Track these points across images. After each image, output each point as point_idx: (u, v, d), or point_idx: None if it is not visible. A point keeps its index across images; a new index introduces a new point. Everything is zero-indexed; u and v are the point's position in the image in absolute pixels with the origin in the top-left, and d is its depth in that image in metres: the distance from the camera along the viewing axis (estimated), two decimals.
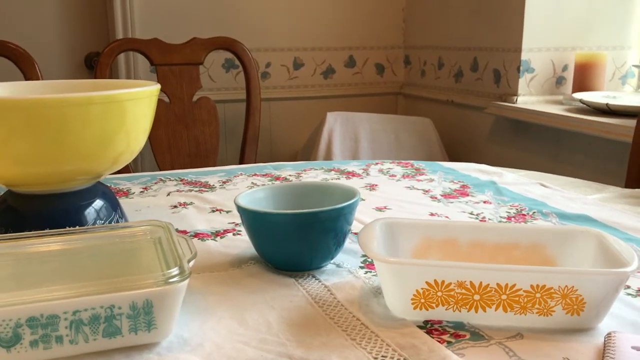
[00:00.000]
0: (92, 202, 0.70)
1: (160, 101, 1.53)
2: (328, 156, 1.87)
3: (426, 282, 0.53)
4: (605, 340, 0.50)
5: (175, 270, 0.49)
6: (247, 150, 1.55)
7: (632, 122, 1.22)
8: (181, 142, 1.52)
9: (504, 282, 0.52)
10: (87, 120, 0.63)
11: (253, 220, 0.64)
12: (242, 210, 0.64)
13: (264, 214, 0.63)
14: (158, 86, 0.71)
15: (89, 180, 0.70)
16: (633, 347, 0.49)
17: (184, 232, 0.79)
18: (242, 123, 1.58)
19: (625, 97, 1.54)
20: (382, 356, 0.49)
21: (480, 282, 0.52)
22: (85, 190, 0.70)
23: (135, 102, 0.67)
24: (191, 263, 0.53)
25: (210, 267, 0.67)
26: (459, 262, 0.55)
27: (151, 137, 1.51)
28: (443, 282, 0.52)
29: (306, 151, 2.00)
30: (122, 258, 0.58)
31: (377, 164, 1.22)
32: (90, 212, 0.69)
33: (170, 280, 0.49)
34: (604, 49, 1.72)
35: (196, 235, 0.77)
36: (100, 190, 0.72)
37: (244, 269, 0.66)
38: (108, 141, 0.66)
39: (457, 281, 0.52)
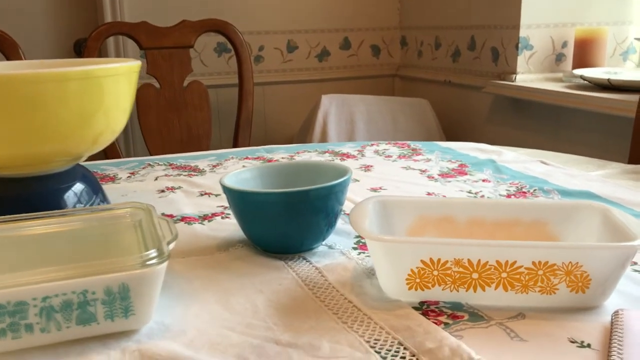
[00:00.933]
0: (72, 186, 0.67)
1: (150, 86, 1.49)
2: (323, 139, 1.83)
3: (421, 261, 0.49)
4: (612, 319, 0.47)
5: (153, 252, 0.46)
6: (240, 135, 1.51)
7: (634, 98, 1.19)
8: (172, 128, 1.48)
9: (504, 259, 0.48)
10: (64, 98, 0.60)
11: (239, 200, 0.61)
12: (227, 191, 0.61)
13: (251, 194, 0.60)
14: (138, 63, 0.68)
15: (68, 162, 0.67)
16: None
17: (171, 216, 0.75)
18: (235, 108, 1.55)
19: (627, 73, 1.50)
20: (375, 339, 0.46)
21: (479, 260, 0.49)
22: (64, 173, 0.67)
23: (114, 79, 0.63)
24: (171, 245, 0.50)
25: (196, 250, 0.64)
26: (456, 239, 0.52)
27: (141, 123, 1.47)
28: (439, 260, 0.49)
29: (301, 135, 1.96)
30: (100, 242, 0.55)
31: (372, 145, 1.18)
32: (69, 196, 0.66)
33: (148, 262, 0.46)
34: (605, 24, 1.68)
35: (183, 219, 0.74)
36: (80, 173, 0.69)
37: (231, 252, 0.63)
38: (87, 120, 0.63)
39: (454, 259, 0.49)
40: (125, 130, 1.97)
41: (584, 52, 1.61)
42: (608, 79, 1.35)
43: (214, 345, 0.46)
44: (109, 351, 0.45)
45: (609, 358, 0.42)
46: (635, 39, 1.62)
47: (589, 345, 0.45)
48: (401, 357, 0.43)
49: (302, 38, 2.21)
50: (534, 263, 0.48)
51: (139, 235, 0.54)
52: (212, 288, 0.55)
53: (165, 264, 0.46)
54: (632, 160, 1.12)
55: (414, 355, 0.43)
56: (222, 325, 0.48)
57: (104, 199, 0.70)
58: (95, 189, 0.69)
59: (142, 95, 1.48)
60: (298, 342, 0.45)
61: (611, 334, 0.45)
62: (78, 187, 0.68)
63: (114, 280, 0.45)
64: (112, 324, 0.46)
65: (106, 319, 0.46)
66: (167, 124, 1.48)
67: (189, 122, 1.49)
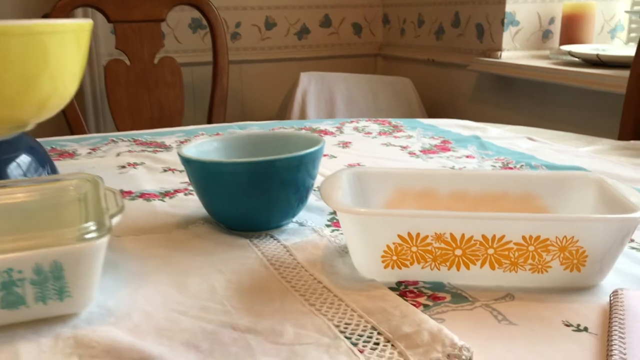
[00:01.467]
0: (16, 157, 0.61)
1: (119, 62, 1.42)
2: (302, 119, 1.77)
3: (398, 236, 0.44)
4: (611, 300, 0.42)
5: (91, 226, 0.40)
6: (215, 113, 1.44)
7: (625, 73, 1.14)
8: (143, 105, 1.41)
9: (491, 234, 0.43)
10: (5, 56, 0.54)
11: (199, 172, 0.55)
12: (186, 162, 0.55)
13: (211, 164, 0.54)
14: (89, 21, 0.61)
15: (11, 129, 0.60)
16: None
17: (129, 192, 0.69)
18: (210, 87, 1.48)
19: (616, 49, 1.46)
20: (346, 323, 0.40)
21: (463, 234, 0.43)
22: (7, 142, 0.61)
23: (60, 38, 0.57)
24: (116, 219, 0.44)
25: (151, 228, 0.58)
26: (437, 211, 0.47)
27: (110, 100, 1.40)
28: (418, 235, 0.44)
29: (280, 115, 1.90)
30: (38, 216, 0.49)
31: (352, 122, 1.13)
32: (12, 168, 0.60)
33: (86, 237, 0.39)
34: None
35: (141, 195, 0.68)
36: (26, 143, 0.63)
37: (190, 230, 0.58)
38: (30, 83, 0.57)
39: (435, 233, 0.44)
40: (95, 107, 1.89)
41: (572, 28, 1.56)
42: (597, 54, 1.31)
43: (161, 331, 0.40)
44: (40, 338, 0.39)
45: (609, 343, 0.37)
46: (626, 12, 1.57)
47: (585, 329, 0.40)
48: (374, 343, 0.38)
49: (280, 14, 2.13)
50: (524, 238, 0.43)
51: (82, 209, 0.48)
52: (166, 268, 0.49)
53: (105, 239, 0.40)
54: (622, 137, 1.08)
55: (388, 341, 0.38)
56: (173, 308, 0.43)
57: (53, 173, 0.64)
58: (42, 161, 0.62)
59: (111, 71, 1.41)
60: (258, 327, 0.40)
61: (610, 316, 0.40)
62: (23, 158, 0.61)
63: (44, 257, 0.39)
64: (44, 308, 0.40)
65: (37, 301, 0.40)
66: (137, 101, 1.41)
67: (161, 100, 1.42)
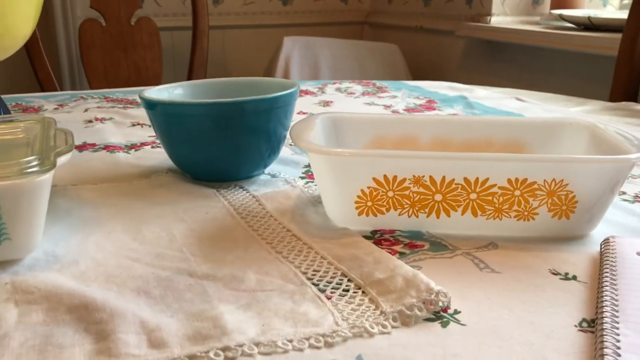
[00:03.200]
0: None
1: (94, 22, 1.36)
2: None
3: (373, 179, 0.40)
4: (602, 248, 0.39)
5: (33, 161, 0.36)
6: (194, 77, 1.39)
7: (617, 36, 1.11)
8: (119, 68, 1.36)
9: (474, 177, 0.40)
10: None
11: (162, 115, 0.51)
12: (147, 104, 0.51)
13: (173, 105, 0.50)
14: None
15: None
16: (638, 253, 0.37)
17: (92, 145, 0.65)
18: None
19: (609, 13, 1.42)
20: (314, 270, 0.37)
21: (443, 177, 0.40)
22: None
23: None
24: (63, 157, 0.40)
25: (112, 178, 0.54)
26: (415, 152, 0.43)
27: (85, 62, 1.35)
28: (395, 178, 0.40)
29: None
30: None
31: (334, 83, 1.08)
32: None
33: (26, 171, 0.35)
34: None
35: (105, 147, 0.64)
36: None
37: (153, 179, 0.54)
38: None
39: (413, 176, 0.40)
40: (71, 69, 1.83)
41: None
42: (589, 17, 1.27)
43: (110, 277, 0.36)
44: None
45: (599, 290, 0.34)
46: None
47: (574, 278, 0.36)
48: (344, 290, 0.34)
49: None
50: (509, 181, 0.40)
51: (29, 152, 0.44)
52: (123, 216, 0.45)
53: (49, 175, 0.37)
54: (613, 100, 1.04)
55: (359, 288, 0.34)
56: (126, 255, 0.39)
57: None
58: None
59: (86, 32, 1.35)
60: (218, 274, 0.36)
61: (601, 263, 0.37)
62: None
63: None
64: None
65: None
66: (113, 63, 1.36)
67: (138, 62, 1.37)
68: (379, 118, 0.52)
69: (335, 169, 0.41)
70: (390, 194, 0.41)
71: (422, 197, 0.41)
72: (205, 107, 0.49)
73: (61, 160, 0.39)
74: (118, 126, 0.74)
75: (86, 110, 0.83)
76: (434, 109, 0.85)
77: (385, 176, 0.40)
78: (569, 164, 0.39)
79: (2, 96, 0.72)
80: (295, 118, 0.55)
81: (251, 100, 0.49)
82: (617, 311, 0.31)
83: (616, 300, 0.32)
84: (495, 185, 0.40)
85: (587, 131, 0.47)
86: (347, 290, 0.34)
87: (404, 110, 0.85)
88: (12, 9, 0.54)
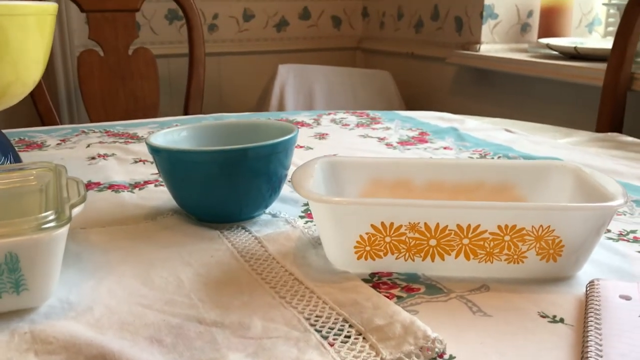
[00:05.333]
0: None
1: (93, 52, 1.39)
2: (280, 111, 1.75)
3: (371, 226, 0.43)
4: (587, 290, 0.41)
5: (50, 215, 0.38)
6: (191, 105, 1.42)
7: (602, 66, 1.14)
8: (117, 98, 1.38)
9: (466, 223, 0.42)
10: None
11: (168, 162, 0.53)
12: (154, 151, 0.53)
13: (180, 153, 0.52)
14: (54, 5, 0.59)
15: None
16: (621, 296, 0.40)
17: (97, 184, 0.67)
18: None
19: (594, 42, 1.46)
20: (317, 316, 0.39)
21: (437, 224, 0.42)
22: None
23: (21, 21, 0.55)
24: (78, 209, 0.42)
25: (119, 220, 0.56)
26: (410, 200, 0.46)
27: (83, 92, 1.37)
28: (392, 224, 0.43)
29: (258, 108, 1.87)
30: None
31: (329, 114, 1.11)
32: None
33: (43, 227, 0.38)
34: None
35: (110, 187, 0.66)
36: None
37: (159, 221, 0.56)
38: None
39: (409, 223, 0.42)
40: (69, 100, 1.85)
41: (550, 21, 1.56)
42: (575, 47, 1.31)
43: (124, 325, 0.38)
44: None
45: (584, 334, 0.36)
46: (603, 4, 1.57)
47: (561, 320, 0.39)
48: (345, 336, 0.36)
49: (259, 6, 2.10)
50: (499, 227, 0.42)
51: (43, 199, 0.46)
52: (132, 260, 0.47)
53: (64, 229, 0.39)
54: (599, 129, 1.08)
55: (360, 334, 0.37)
56: (137, 302, 0.41)
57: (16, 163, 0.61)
58: (4, 149, 0.60)
59: (84, 62, 1.37)
60: (225, 320, 0.38)
61: (586, 307, 0.39)
62: None
63: None
64: None
65: None
66: (111, 93, 1.38)
67: (135, 92, 1.39)
68: (374, 162, 0.54)
69: (335, 216, 0.43)
70: (388, 239, 0.43)
71: (417, 242, 0.43)
72: (210, 155, 0.51)
73: (75, 211, 0.42)
74: (121, 163, 0.76)
75: (88, 145, 0.85)
76: (427, 142, 0.88)
77: (382, 223, 0.43)
78: (555, 212, 0.42)
79: (4, 130, 0.74)
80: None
81: (254, 147, 0.51)
82: (600, 356, 0.33)
83: (600, 345, 0.34)
84: (486, 231, 0.42)
85: (573, 174, 0.50)
86: (349, 337, 0.36)
87: (398, 142, 0.88)
88: (22, 56, 0.57)
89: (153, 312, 0.40)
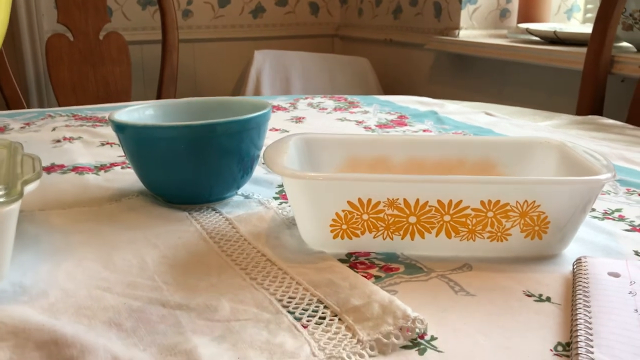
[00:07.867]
0: None
1: (62, 36, 1.34)
2: None
3: (348, 202, 0.40)
4: (574, 268, 0.40)
5: None
6: (164, 92, 1.38)
7: (582, 50, 1.13)
8: (87, 83, 1.34)
9: (447, 199, 0.40)
10: None
11: (132, 139, 0.50)
12: (117, 127, 0.50)
13: (145, 128, 0.49)
14: None
15: None
16: (610, 274, 0.38)
17: (61, 166, 0.64)
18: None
19: (574, 27, 1.45)
20: (290, 297, 0.36)
21: (417, 200, 0.40)
22: None
23: None
24: (32, 185, 0.39)
25: (81, 202, 0.53)
26: (389, 175, 0.43)
27: (52, 78, 1.32)
28: (369, 201, 0.40)
29: (234, 95, 1.84)
30: None
31: (306, 98, 1.08)
32: None
33: None
34: None
35: (74, 169, 0.63)
36: None
37: (123, 202, 0.53)
38: None
39: (388, 199, 0.40)
40: (38, 85, 1.80)
41: (529, 7, 1.55)
42: (554, 32, 1.29)
43: (80, 309, 0.35)
44: None
45: (573, 313, 0.34)
46: None
47: (548, 299, 0.37)
48: (320, 318, 0.34)
49: None
50: (482, 203, 0.40)
51: None
52: (93, 243, 0.44)
53: (15, 205, 0.36)
54: (580, 113, 1.06)
55: (335, 315, 0.34)
56: (97, 285, 0.38)
57: None
58: None
59: (53, 47, 1.33)
60: (191, 303, 0.36)
61: (574, 285, 0.38)
62: None
63: None
64: None
65: None
66: (81, 78, 1.33)
67: (106, 77, 1.35)
68: (352, 139, 0.52)
69: (310, 193, 0.41)
70: (365, 217, 0.41)
71: (396, 219, 0.41)
72: (177, 130, 0.48)
73: (28, 188, 0.38)
74: (87, 146, 0.72)
75: (54, 129, 0.81)
76: (406, 125, 0.86)
77: (359, 199, 0.40)
78: (541, 186, 0.40)
79: None
80: (267, 135, 0.55)
81: (223, 122, 0.48)
82: (591, 334, 0.31)
83: (590, 324, 0.32)
84: (469, 207, 0.40)
85: (557, 150, 0.48)
86: (324, 318, 0.34)
87: (376, 126, 0.85)
88: None
89: (113, 296, 0.37)
